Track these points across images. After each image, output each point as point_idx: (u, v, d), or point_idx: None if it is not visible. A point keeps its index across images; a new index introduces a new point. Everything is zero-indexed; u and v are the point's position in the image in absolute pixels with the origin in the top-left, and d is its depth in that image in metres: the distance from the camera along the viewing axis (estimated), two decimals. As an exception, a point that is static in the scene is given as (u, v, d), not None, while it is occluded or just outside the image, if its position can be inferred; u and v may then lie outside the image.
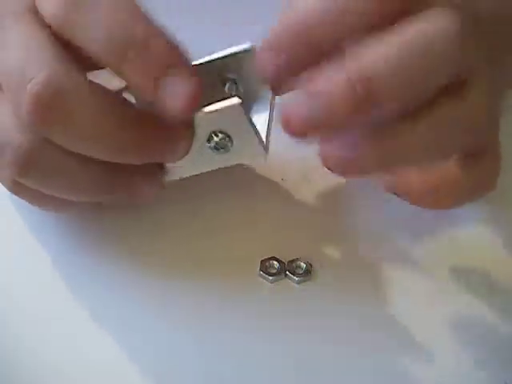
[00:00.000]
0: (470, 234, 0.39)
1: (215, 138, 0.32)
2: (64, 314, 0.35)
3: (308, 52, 0.28)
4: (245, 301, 0.36)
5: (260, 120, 0.33)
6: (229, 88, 0.34)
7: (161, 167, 0.34)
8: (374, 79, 0.26)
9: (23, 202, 0.35)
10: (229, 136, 0.32)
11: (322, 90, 0.27)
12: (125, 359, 0.34)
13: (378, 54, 0.26)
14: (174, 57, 0.30)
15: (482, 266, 0.38)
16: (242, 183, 0.39)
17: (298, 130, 0.27)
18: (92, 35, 0.29)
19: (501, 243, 0.39)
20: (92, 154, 0.31)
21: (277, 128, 0.30)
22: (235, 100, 0.31)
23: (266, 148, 0.33)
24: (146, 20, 0.30)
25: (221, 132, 0.32)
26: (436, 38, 0.27)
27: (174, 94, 0.29)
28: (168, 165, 0.34)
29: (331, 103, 0.26)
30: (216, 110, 0.31)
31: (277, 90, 0.30)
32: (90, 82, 0.31)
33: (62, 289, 0.36)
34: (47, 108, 0.30)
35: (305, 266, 0.37)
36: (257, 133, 0.32)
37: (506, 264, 0.38)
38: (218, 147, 0.33)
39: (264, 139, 0.33)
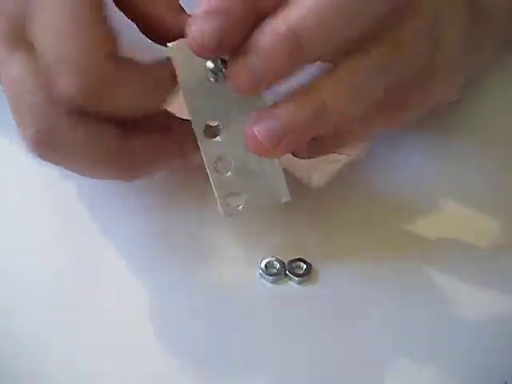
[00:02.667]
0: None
1: None
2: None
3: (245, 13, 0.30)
4: (245, 301, 0.36)
5: None
6: None
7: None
8: (300, 31, 0.28)
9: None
10: None
11: (258, 46, 0.29)
12: (123, 362, 0.34)
13: (303, 7, 0.29)
14: None
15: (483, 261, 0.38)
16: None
17: (246, 87, 0.30)
18: None
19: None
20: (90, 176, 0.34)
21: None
22: None
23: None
24: None
25: None
26: None
27: None
28: None
29: (269, 59, 0.29)
30: None
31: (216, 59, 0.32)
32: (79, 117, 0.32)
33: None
34: (45, 151, 0.33)
35: (305, 266, 0.37)
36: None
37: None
38: None
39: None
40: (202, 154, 0.34)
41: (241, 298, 0.36)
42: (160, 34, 0.33)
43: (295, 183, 0.36)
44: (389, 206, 0.39)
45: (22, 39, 0.32)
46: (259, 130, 0.31)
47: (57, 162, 0.33)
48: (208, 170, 0.34)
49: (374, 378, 0.34)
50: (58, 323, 0.35)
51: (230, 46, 0.30)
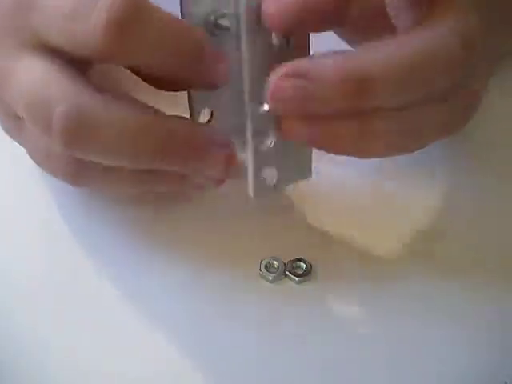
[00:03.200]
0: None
1: None
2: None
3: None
4: (245, 301, 0.36)
5: None
6: None
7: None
8: (369, 81, 0.27)
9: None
10: None
11: (317, 78, 0.27)
12: (123, 361, 0.34)
13: (378, 58, 0.27)
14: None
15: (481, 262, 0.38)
16: (242, 181, 0.39)
17: (288, 106, 0.28)
18: None
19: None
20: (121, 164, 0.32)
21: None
22: None
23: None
24: None
25: None
26: (437, 51, 0.28)
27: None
28: None
29: (324, 93, 0.27)
30: None
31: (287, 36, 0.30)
32: (108, 99, 0.31)
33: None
34: (75, 138, 0.31)
35: (305, 265, 0.37)
36: None
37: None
38: None
39: None
40: (248, 120, 0.32)
41: (241, 297, 0.36)
42: None
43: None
44: (389, 206, 0.39)
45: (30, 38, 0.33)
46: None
47: (85, 147, 0.31)
48: (249, 138, 0.32)
49: (373, 378, 0.33)
50: (58, 324, 0.35)
51: None
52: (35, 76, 0.32)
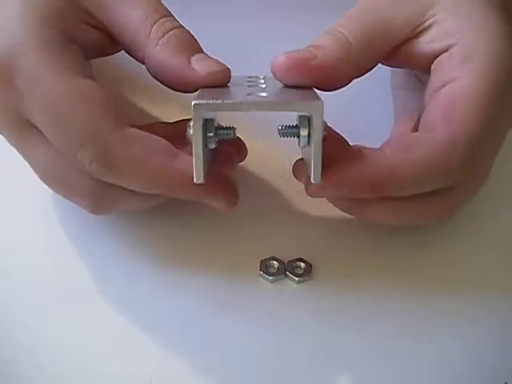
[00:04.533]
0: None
1: None
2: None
3: None
4: (245, 301, 0.36)
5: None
6: None
7: None
8: (386, 185, 0.33)
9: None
10: None
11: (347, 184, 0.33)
12: (125, 362, 0.34)
13: (392, 167, 0.33)
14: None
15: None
16: (243, 181, 0.39)
17: (317, 194, 0.34)
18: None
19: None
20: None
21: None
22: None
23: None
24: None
25: None
26: (438, 157, 0.33)
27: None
28: None
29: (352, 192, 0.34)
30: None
31: None
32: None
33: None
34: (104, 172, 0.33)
35: (305, 265, 0.37)
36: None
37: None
38: None
39: None
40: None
41: (241, 297, 0.36)
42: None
43: (294, 184, 0.36)
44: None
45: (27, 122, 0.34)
46: None
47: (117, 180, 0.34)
48: None
49: (373, 377, 0.34)
50: (59, 324, 0.35)
51: None
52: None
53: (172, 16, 0.35)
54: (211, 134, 0.32)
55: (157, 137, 0.33)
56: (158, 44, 0.34)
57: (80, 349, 0.34)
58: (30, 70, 0.33)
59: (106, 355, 0.34)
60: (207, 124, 0.32)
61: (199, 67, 0.34)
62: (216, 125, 0.33)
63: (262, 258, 0.37)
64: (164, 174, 0.33)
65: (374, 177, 0.33)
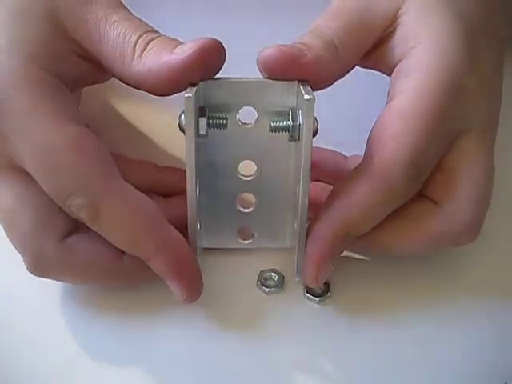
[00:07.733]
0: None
1: None
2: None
3: None
4: (243, 312, 0.35)
5: None
6: None
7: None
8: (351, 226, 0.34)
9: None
10: None
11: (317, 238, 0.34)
12: (124, 373, 0.33)
13: (355, 205, 0.34)
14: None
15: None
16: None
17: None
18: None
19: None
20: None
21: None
22: None
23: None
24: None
25: None
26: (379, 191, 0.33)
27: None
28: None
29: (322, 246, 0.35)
30: None
31: None
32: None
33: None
34: (39, 273, 0.34)
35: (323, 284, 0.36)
36: None
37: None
38: None
39: None
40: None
41: (238, 309, 0.35)
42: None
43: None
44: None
45: (6, 167, 0.33)
46: None
47: (54, 279, 0.35)
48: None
49: (373, 378, 0.33)
50: (59, 324, 0.35)
51: None
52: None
53: (154, 30, 0.34)
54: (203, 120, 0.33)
55: (146, 199, 0.33)
56: (141, 56, 0.33)
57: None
58: (19, 117, 0.32)
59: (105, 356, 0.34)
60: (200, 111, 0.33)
61: (181, 50, 0.32)
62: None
63: (261, 270, 0.36)
64: (145, 240, 0.32)
65: (336, 232, 0.34)
